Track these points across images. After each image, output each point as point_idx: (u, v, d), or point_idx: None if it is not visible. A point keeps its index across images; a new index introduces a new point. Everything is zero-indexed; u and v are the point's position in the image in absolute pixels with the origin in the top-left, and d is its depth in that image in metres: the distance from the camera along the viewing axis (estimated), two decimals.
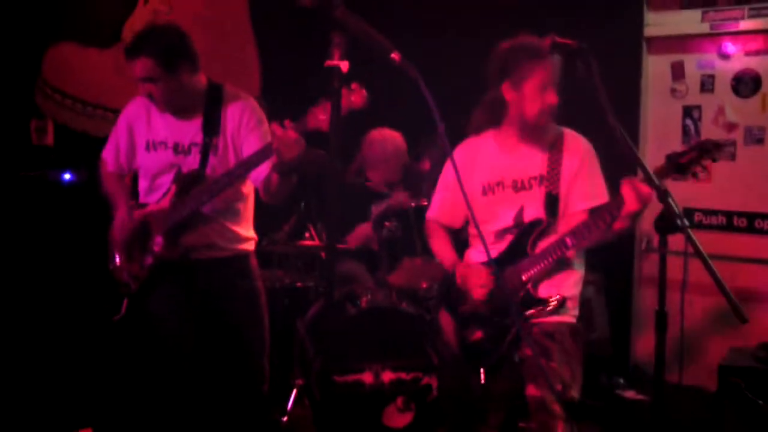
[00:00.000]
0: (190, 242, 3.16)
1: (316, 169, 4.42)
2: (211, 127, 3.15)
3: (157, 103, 3.12)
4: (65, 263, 4.48)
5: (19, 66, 4.49)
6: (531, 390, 2.82)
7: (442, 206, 3.23)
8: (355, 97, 2.57)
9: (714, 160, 2.65)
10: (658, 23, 5.05)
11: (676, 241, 2.50)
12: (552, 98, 2.92)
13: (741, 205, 4.86)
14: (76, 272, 4.46)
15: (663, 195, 2.39)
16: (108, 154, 3.37)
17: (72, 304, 4.48)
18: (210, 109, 3.17)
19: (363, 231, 4.48)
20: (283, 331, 4.50)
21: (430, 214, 3.28)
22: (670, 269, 2.63)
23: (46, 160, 4.56)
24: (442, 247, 3.22)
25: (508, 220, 3.03)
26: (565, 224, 2.97)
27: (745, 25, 4.77)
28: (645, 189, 2.64)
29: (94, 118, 4.81)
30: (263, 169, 3.03)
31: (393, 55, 1.78)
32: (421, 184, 4.66)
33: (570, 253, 2.92)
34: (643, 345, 5.19)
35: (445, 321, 3.18)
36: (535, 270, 2.93)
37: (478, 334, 3.04)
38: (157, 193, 3.22)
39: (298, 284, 4.51)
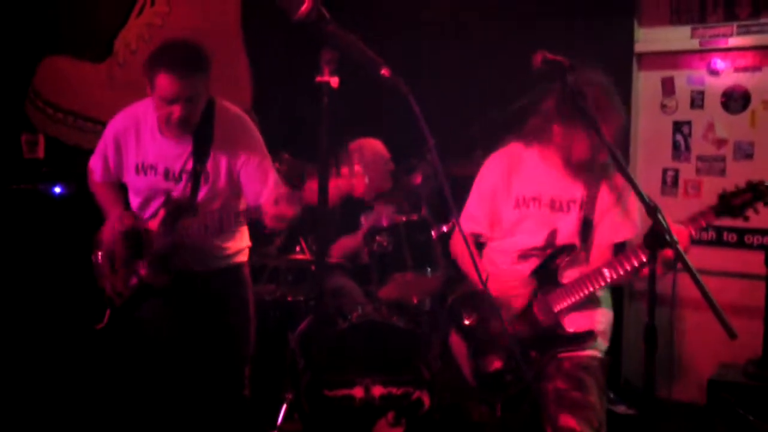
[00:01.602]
0: (181, 264, 3.09)
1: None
2: (202, 152, 3.01)
3: (178, 126, 2.92)
4: (55, 276, 4.46)
5: (10, 79, 4.49)
6: (569, 422, 2.67)
7: (485, 219, 3.03)
8: (357, 181, 2.55)
9: (766, 204, 2.59)
10: (648, 39, 5.09)
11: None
12: (603, 157, 2.81)
13: (731, 221, 4.87)
14: (65, 285, 4.44)
15: (652, 211, 2.40)
16: (96, 165, 3.27)
17: (62, 316, 4.46)
18: (201, 130, 3.03)
19: (346, 243, 4.48)
20: (273, 344, 4.48)
21: (469, 228, 3.06)
22: (661, 284, 2.63)
23: (37, 173, 4.55)
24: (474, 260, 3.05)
25: (538, 240, 2.92)
26: (591, 255, 2.90)
27: (734, 41, 4.81)
28: (684, 233, 2.61)
29: (85, 132, 4.80)
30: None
31: (383, 71, 1.78)
32: (413, 198, 4.67)
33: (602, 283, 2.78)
34: (634, 360, 5.19)
35: (457, 344, 3.03)
36: (569, 301, 2.82)
37: (497, 364, 2.89)
38: (148, 212, 3.16)
39: (289, 298, 4.49)
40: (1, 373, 4.20)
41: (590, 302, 2.87)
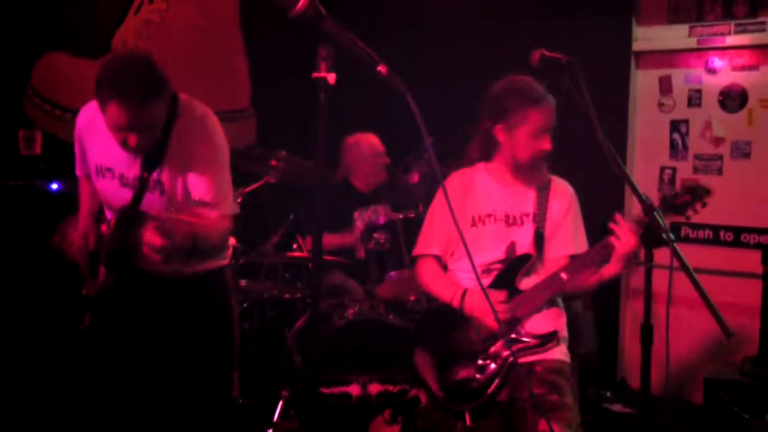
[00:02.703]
0: (147, 267, 2.78)
1: (306, 180, 4.44)
2: (154, 160, 2.74)
3: (135, 151, 2.69)
4: (52, 272, 4.46)
5: (7, 75, 4.47)
6: (552, 426, 2.65)
7: (440, 240, 3.07)
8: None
9: (704, 205, 2.66)
10: (646, 38, 5.09)
11: (663, 254, 2.52)
12: (546, 144, 2.88)
13: (728, 219, 4.89)
14: (62, 281, 4.44)
15: (649, 209, 2.40)
16: (76, 166, 3.09)
17: (59, 313, 4.46)
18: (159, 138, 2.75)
19: (331, 240, 4.49)
20: (270, 342, 4.49)
21: (426, 250, 3.10)
22: (658, 283, 2.64)
23: (34, 170, 4.54)
24: (443, 283, 3.05)
25: (498, 254, 2.96)
26: (547, 267, 2.95)
27: (732, 40, 4.82)
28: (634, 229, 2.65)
29: None
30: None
31: (380, 68, 1.78)
32: (410, 196, 4.69)
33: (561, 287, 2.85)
34: (631, 358, 5.20)
35: (421, 361, 3.04)
36: (530, 306, 2.87)
37: (463, 373, 2.93)
38: (110, 214, 2.95)
39: (286, 295, 4.49)
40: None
41: (549, 306, 2.95)
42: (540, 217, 2.96)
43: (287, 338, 4.14)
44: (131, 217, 2.75)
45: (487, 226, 2.99)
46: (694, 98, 5.02)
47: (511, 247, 2.96)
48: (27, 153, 4.63)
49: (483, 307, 2.86)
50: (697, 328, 4.77)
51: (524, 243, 2.95)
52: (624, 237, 2.64)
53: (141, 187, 2.76)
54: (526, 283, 2.93)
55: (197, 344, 3.06)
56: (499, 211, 2.99)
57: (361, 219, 4.57)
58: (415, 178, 4.81)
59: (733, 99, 4.90)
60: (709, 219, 4.93)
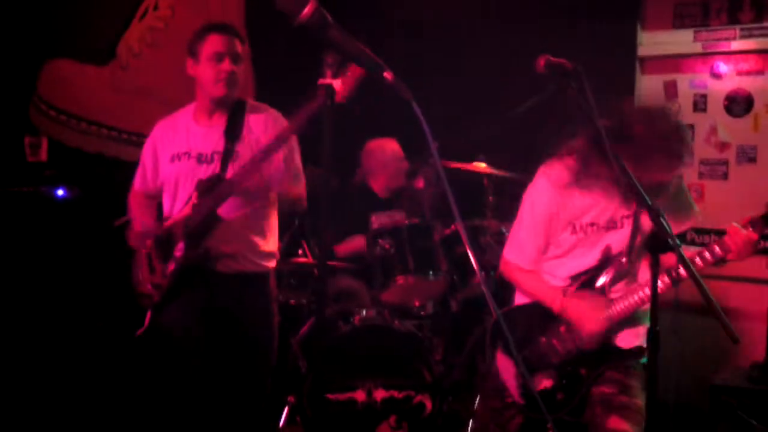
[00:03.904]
0: (213, 246, 3.08)
1: (311, 186, 4.43)
2: (233, 133, 3.17)
3: (227, 83, 3.16)
4: (57, 279, 4.46)
5: (13, 82, 4.48)
6: (619, 424, 2.65)
7: (531, 253, 2.93)
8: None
9: None
10: (651, 43, 5.09)
11: (670, 259, 2.51)
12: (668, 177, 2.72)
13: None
14: (67, 288, 4.44)
15: (655, 214, 2.39)
16: (136, 179, 3.42)
17: (62, 318, 4.47)
18: (233, 115, 3.22)
19: (357, 243, 4.48)
20: (275, 348, 4.48)
21: (516, 260, 2.97)
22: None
23: (40, 177, 4.55)
24: (541, 285, 2.93)
25: (591, 261, 2.87)
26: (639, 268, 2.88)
27: (737, 45, 4.81)
28: (752, 235, 2.62)
29: (89, 135, 4.79)
30: (277, 163, 3.09)
31: (386, 75, 1.77)
32: (415, 203, 4.68)
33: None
34: None
35: (504, 365, 2.91)
36: (623, 310, 2.76)
37: (547, 383, 2.84)
38: (179, 204, 3.20)
39: (292, 301, 4.49)
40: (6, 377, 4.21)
41: (636, 317, 2.82)
42: (639, 213, 2.81)
43: (293, 344, 4.14)
44: (214, 180, 3.05)
45: (588, 235, 2.87)
46: (700, 103, 5.01)
47: (607, 249, 2.86)
48: (33, 159, 4.64)
49: (581, 313, 2.79)
50: (702, 334, 4.75)
51: (619, 245, 2.85)
52: (740, 243, 2.62)
53: (226, 156, 3.13)
54: (616, 288, 2.83)
55: (236, 349, 3.23)
56: (601, 217, 2.86)
57: (378, 222, 4.56)
58: (420, 183, 4.82)
59: (738, 104, 4.89)
60: (714, 224, 4.91)
